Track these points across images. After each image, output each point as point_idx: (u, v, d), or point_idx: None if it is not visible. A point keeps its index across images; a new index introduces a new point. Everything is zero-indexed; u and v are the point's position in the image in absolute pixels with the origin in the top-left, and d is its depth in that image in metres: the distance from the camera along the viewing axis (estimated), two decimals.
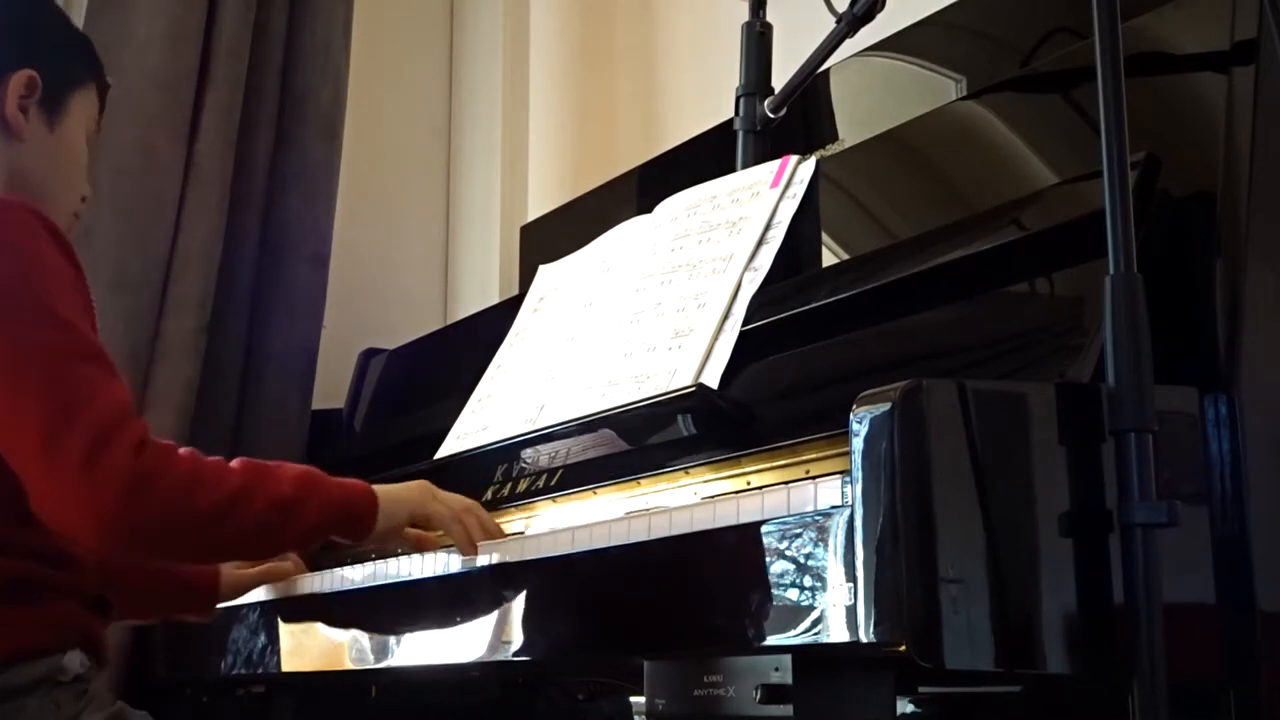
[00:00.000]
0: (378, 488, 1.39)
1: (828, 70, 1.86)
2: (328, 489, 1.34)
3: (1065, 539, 1.02)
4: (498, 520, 1.49)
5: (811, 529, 0.99)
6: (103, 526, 1.22)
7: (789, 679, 1.05)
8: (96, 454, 1.20)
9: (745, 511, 1.07)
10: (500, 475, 1.62)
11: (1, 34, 1.43)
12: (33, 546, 1.30)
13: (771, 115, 1.78)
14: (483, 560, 1.36)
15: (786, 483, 1.11)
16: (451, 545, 1.42)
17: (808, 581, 0.99)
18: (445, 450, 1.77)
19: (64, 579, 1.33)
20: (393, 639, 1.48)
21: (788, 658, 1.05)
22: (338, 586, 1.59)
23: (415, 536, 1.46)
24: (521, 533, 1.49)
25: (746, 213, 1.59)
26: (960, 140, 1.53)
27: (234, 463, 1.30)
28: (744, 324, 1.46)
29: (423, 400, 2.29)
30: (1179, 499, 1.02)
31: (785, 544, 1.00)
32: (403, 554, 1.54)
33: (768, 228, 1.55)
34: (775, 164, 1.63)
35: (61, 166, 1.43)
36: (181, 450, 1.27)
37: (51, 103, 1.42)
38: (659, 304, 1.59)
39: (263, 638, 1.73)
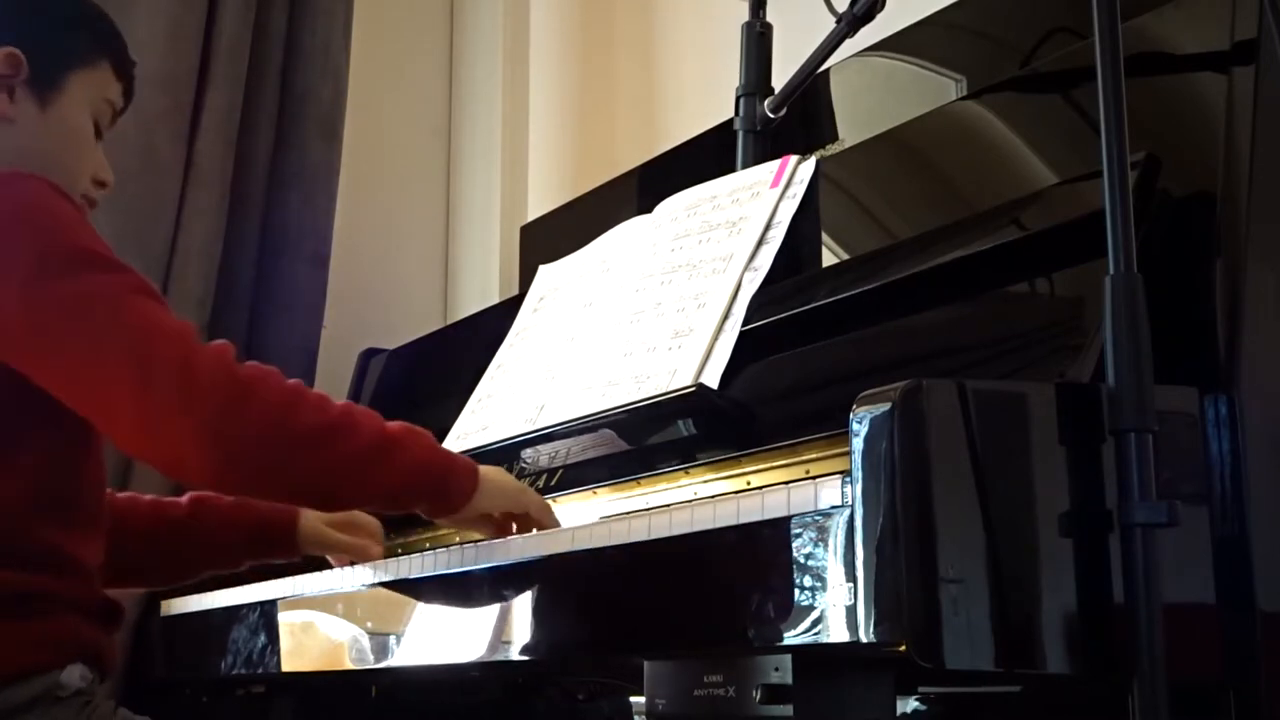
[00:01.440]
0: (481, 469, 1.34)
1: (828, 70, 1.86)
2: (433, 444, 1.31)
3: (1065, 539, 1.02)
4: None
5: (811, 529, 0.99)
6: (212, 439, 1.18)
7: (789, 679, 1.05)
8: (190, 371, 1.18)
9: (745, 511, 1.07)
10: None
11: None
12: (33, 556, 1.27)
13: (771, 115, 1.78)
14: (483, 560, 1.36)
15: (786, 483, 1.11)
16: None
17: (808, 581, 0.99)
18: None
19: (67, 590, 1.29)
20: (393, 639, 1.48)
21: (788, 658, 1.05)
22: (338, 586, 1.59)
23: (492, 525, 1.41)
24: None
25: (746, 213, 1.59)
26: (960, 140, 1.53)
27: (339, 402, 1.27)
28: (744, 324, 1.46)
29: (423, 400, 2.29)
30: (1179, 499, 1.02)
31: (785, 544, 1.00)
32: (403, 553, 1.54)
33: (768, 228, 1.55)
34: (775, 164, 1.63)
35: (58, 148, 1.38)
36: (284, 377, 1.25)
37: (42, 81, 1.36)
38: (659, 304, 1.59)
39: (263, 638, 1.73)
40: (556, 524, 1.39)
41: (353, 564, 1.60)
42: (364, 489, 1.30)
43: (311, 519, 1.59)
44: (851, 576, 0.96)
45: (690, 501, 1.27)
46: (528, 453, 1.59)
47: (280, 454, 1.23)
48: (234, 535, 1.59)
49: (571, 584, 1.24)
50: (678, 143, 2.30)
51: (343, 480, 1.27)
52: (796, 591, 0.99)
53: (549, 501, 1.44)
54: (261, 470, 1.24)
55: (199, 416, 1.18)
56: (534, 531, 1.37)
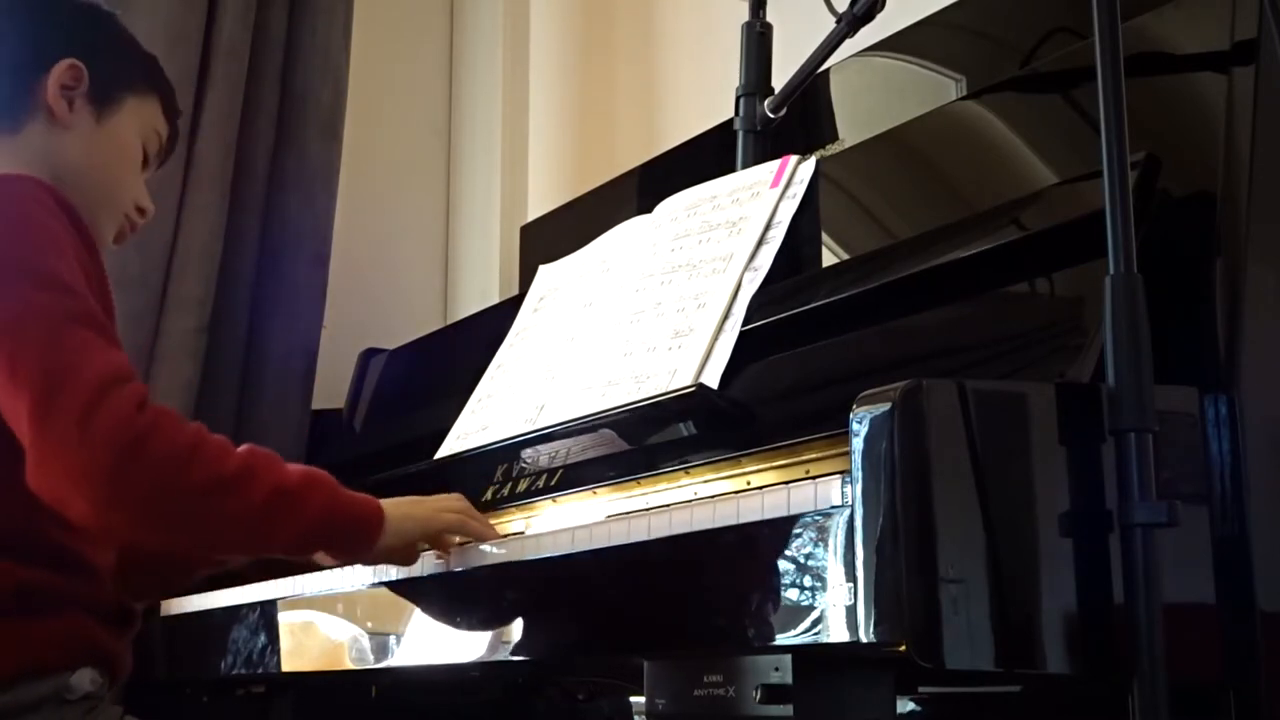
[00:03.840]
0: (383, 503, 1.33)
1: (828, 70, 1.86)
2: (334, 491, 1.28)
3: (1065, 539, 1.02)
4: (497, 520, 1.49)
5: (811, 529, 0.99)
6: (94, 487, 1.16)
7: (789, 679, 1.05)
8: (90, 414, 1.16)
9: (745, 511, 1.07)
10: (500, 475, 1.62)
11: (50, 23, 1.44)
12: (45, 552, 1.27)
13: (771, 115, 1.78)
14: (483, 560, 1.36)
15: (786, 483, 1.11)
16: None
17: (808, 581, 0.99)
18: (445, 450, 1.77)
19: (77, 589, 1.29)
20: (393, 639, 1.48)
21: (788, 658, 1.05)
22: (338, 586, 1.59)
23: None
24: (521, 533, 1.49)
25: (746, 213, 1.59)
26: (960, 140, 1.53)
27: (241, 447, 1.25)
28: (744, 324, 1.46)
29: (423, 400, 2.29)
30: (1179, 499, 1.02)
31: (785, 544, 1.00)
32: None
33: (768, 228, 1.55)
34: (775, 164, 1.63)
35: (107, 161, 1.43)
36: (190, 423, 1.22)
37: (100, 97, 1.42)
38: (659, 304, 1.59)
39: (263, 638, 1.73)
40: (484, 534, 1.38)
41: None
42: (262, 541, 1.29)
43: None
44: (851, 576, 0.96)
45: (690, 501, 1.27)
46: (528, 453, 1.59)
47: (171, 509, 1.20)
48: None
49: (571, 584, 1.24)
50: (678, 143, 2.30)
51: (233, 534, 1.25)
52: (796, 591, 0.99)
53: (553, 503, 1.44)
54: (151, 523, 1.22)
55: (85, 464, 1.16)
56: (526, 534, 1.37)
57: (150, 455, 1.17)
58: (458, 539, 1.41)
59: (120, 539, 1.39)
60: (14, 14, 1.44)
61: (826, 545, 0.98)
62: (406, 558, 1.40)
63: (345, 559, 1.36)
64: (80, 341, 1.21)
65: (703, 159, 2.01)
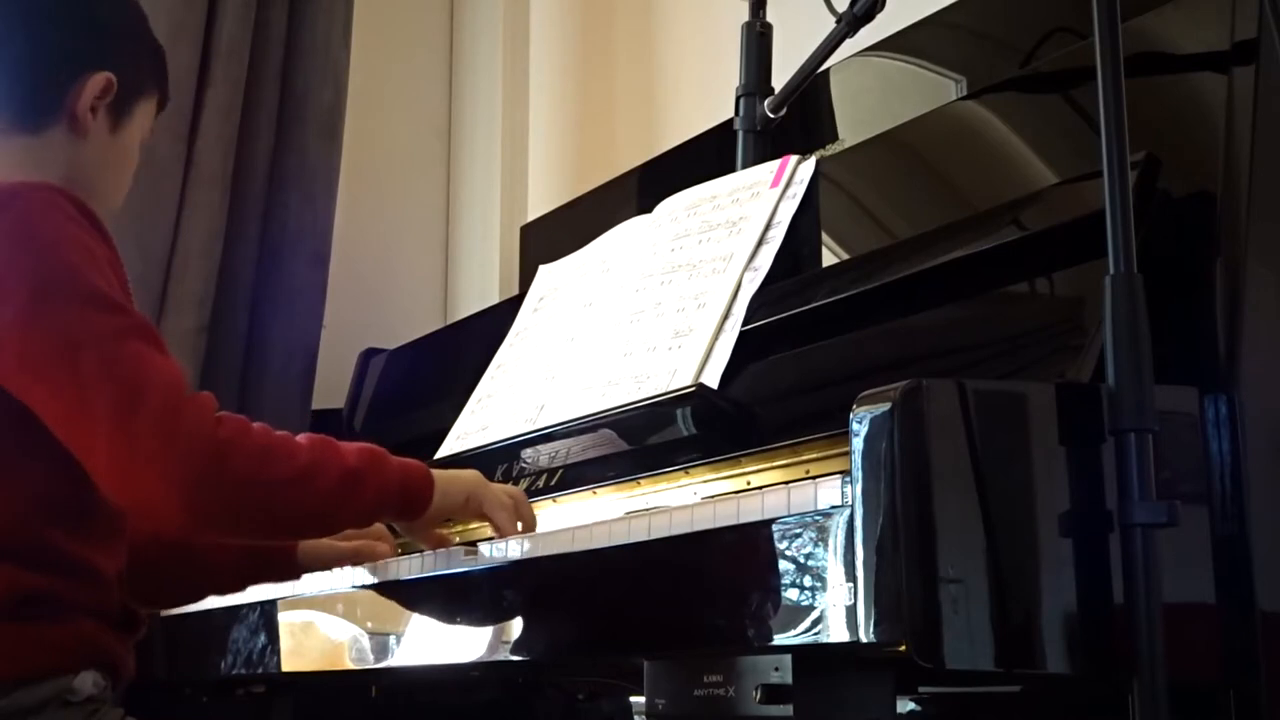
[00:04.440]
0: (433, 470, 1.38)
1: (828, 70, 1.86)
2: (390, 465, 1.33)
3: (1065, 539, 1.02)
4: None
5: (811, 529, 0.99)
6: (186, 494, 1.20)
7: (789, 679, 1.05)
8: (173, 425, 1.19)
9: (745, 511, 1.07)
10: (500, 475, 1.62)
11: (89, 32, 1.43)
12: (46, 560, 1.26)
13: (771, 115, 1.78)
14: (482, 560, 1.36)
15: (786, 483, 1.11)
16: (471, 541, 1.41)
17: (808, 581, 0.99)
18: (445, 450, 1.77)
19: (81, 595, 1.28)
20: (393, 639, 1.48)
21: (788, 658, 1.05)
22: (338, 586, 1.59)
23: (437, 537, 1.45)
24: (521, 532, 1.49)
25: (746, 213, 1.59)
26: (960, 140, 1.53)
27: (300, 437, 1.30)
28: (744, 324, 1.46)
29: (423, 400, 2.29)
30: (1179, 499, 1.02)
31: (785, 544, 1.00)
32: (402, 552, 1.54)
33: (768, 228, 1.55)
34: (775, 164, 1.63)
35: (115, 169, 1.44)
36: (255, 424, 1.27)
37: (120, 107, 1.42)
38: (659, 304, 1.59)
39: (263, 638, 1.73)
40: (510, 528, 1.39)
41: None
42: (333, 523, 1.37)
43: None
44: (851, 576, 0.96)
45: (690, 502, 1.27)
46: (528, 453, 1.59)
47: (254, 507, 1.26)
48: (231, 557, 1.58)
49: (571, 584, 1.24)
50: (678, 143, 2.30)
51: (314, 520, 1.32)
52: (796, 591, 0.99)
53: (553, 503, 1.43)
54: (236, 521, 1.28)
55: (177, 473, 1.19)
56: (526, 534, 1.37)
57: (234, 460, 1.22)
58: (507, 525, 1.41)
59: (205, 536, 1.49)
60: (54, 19, 1.43)
61: (826, 545, 0.98)
62: (439, 540, 1.44)
63: (401, 522, 1.42)
64: (139, 356, 1.22)
65: (703, 159, 2.01)
